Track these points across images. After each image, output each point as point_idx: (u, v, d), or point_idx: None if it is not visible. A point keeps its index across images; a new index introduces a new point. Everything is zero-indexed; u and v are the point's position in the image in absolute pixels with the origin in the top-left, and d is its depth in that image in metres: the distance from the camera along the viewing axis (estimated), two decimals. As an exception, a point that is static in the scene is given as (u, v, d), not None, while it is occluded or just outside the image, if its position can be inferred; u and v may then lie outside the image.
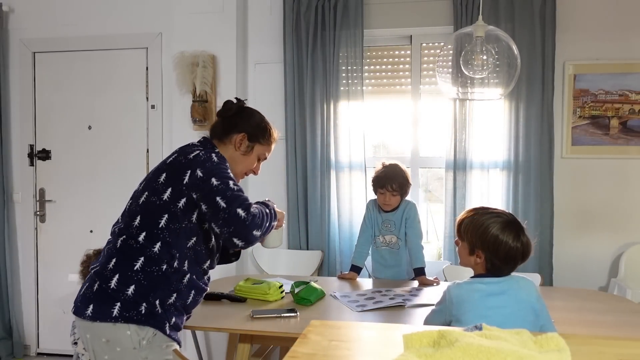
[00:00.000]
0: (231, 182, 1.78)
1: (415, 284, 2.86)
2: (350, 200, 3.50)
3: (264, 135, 2.03)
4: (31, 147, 3.95)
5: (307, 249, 3.54)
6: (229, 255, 2.14)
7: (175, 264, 1.77)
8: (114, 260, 1.76)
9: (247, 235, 1.74)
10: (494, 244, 1.75)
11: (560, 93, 3.35)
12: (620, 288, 3.09)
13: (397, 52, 3.62)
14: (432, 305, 2.46)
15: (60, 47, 3.89)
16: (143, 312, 1.72)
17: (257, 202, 1.91)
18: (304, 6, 3.46)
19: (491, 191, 3.38)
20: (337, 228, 3.53)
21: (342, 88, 3.48)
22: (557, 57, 3.26)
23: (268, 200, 1.99)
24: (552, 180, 3.29)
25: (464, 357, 0.99)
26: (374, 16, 3.52)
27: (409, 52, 3.58)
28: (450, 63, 2.81)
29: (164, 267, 1.76)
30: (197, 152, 1.84)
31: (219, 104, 2.16)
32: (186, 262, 1.81)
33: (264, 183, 3.69)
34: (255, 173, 2.09)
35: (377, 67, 3.63)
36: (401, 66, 3.61)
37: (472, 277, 1.85)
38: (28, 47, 3.92)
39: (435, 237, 4.32)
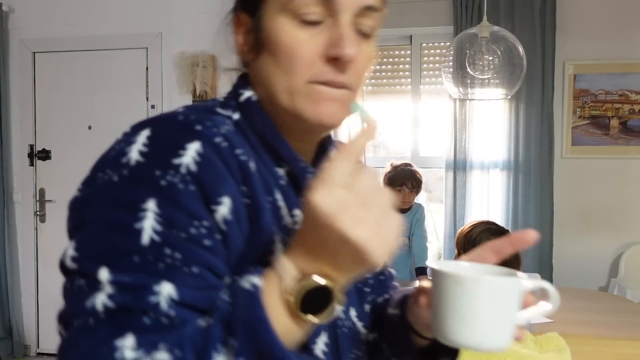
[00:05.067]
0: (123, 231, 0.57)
1: (416, 284, 2.85)
2: (350, 200, 3.49)
3: None
4: (31, 147, 3.95)
5: (307, 249, 3.54)
6: None
7: None
8: None
9: None
10: None
11: (560, 93, 3.35)
12: (620, 288, 3.09)
13: (397, 52, 3.62)
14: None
15: (60, 47, 3.88)
16: None
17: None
18: (304, 6, 3.45)
19: (491, 191, 3.38)
20: (337, 228, 3.52)
21: (342, 88, 3.47)
22: (557, 57, 3.26)
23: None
24: (552, 180, 3.28)
25: (463, 356, 0.99)
26: (374, 16, 3.51)
27: (409, 52, 3.58)
28: (456, 64, 2.81)
29: None
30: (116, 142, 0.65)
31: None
32: None
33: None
34: (342, 51, 0.64)
35: (377, 67, 3.63)
36: (401, 66, 3.60)
37: None
38: (28, 47, 3.92)
39: (435, 237, 4.31)
